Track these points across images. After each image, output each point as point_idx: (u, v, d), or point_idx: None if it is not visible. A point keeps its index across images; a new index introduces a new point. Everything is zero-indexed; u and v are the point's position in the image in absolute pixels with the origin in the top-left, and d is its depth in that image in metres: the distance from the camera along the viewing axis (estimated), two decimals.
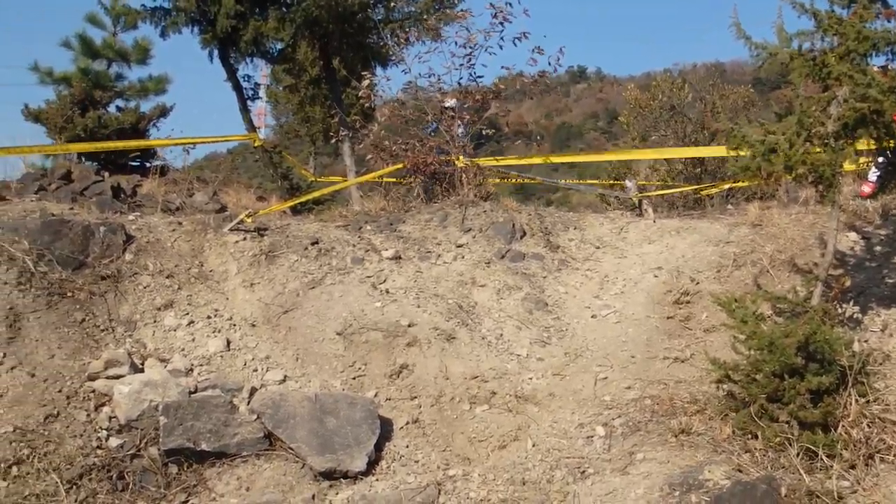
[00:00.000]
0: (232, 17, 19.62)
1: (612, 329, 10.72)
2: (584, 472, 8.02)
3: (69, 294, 9.84)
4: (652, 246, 12.35)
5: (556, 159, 19.55)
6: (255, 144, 19.66)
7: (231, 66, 22.43)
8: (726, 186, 16.78)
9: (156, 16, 20.71)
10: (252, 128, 24.17)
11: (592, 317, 11.04)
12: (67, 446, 8.12)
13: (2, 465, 7.74)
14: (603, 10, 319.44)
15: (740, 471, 7.29)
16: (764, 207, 12.73)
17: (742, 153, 8.53)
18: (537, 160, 17.59)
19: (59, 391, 8.66)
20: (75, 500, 7.69)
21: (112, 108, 18.78)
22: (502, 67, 15.28)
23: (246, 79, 23.42)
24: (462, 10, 16.26)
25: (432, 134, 15.22)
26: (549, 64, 15.32)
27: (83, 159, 16.51)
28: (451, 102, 15.40)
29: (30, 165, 15.29)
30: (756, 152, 8.24)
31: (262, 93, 31.38)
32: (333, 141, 22.51)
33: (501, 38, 14.88)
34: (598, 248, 12.60)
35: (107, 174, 15.00)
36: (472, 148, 15.05)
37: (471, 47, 14.80)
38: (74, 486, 7.81)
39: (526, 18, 15.07)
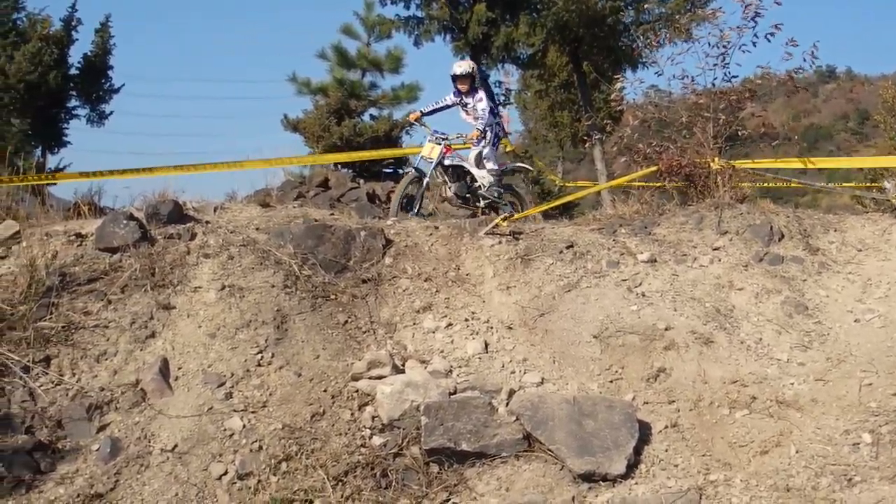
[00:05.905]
0: (484, 23, 20.05)
1: (876, 334, 10.33)
2: (850, 479, 7.79)
3: (332, 297, 10.16)
4: None
5: (818, 164, 18.97)
6: (507, 150, 19.79)
7: (483, 73, 22.85)
8: None
9: (409, 25, 21.34)
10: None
11: (855, 321, 10.68)
12: (333, 444, 8.38)
13: (272, 461, 8.09)
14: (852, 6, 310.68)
15: None
16: None
17: None
18: (796, 163, 17.19)
19: (325, 391, 8.95)
20: (342, 497, 7.92)
21: (366, 117, 19.28)
22: (758, 67, 14.91)
23: (497, 85, 23.85)
24: (713, 9, 16.05)
25: (685, 136, 15.03)
26: (804, 60, 14.94)
27: (339, 167, 16.98)
28: None
29: (289, 174, 15.83)
30: None
31: (512, 98, 31.80)
32: (587, 145, 22.53)
33: (755, 35, 14.59)
34: (859, 250, 12.15)
35: (361, 181, 15.40)
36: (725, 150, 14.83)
37: (724, 46, 14.57)
38: (340, 483, 8.05)
39: (778, 9, 14.57)
